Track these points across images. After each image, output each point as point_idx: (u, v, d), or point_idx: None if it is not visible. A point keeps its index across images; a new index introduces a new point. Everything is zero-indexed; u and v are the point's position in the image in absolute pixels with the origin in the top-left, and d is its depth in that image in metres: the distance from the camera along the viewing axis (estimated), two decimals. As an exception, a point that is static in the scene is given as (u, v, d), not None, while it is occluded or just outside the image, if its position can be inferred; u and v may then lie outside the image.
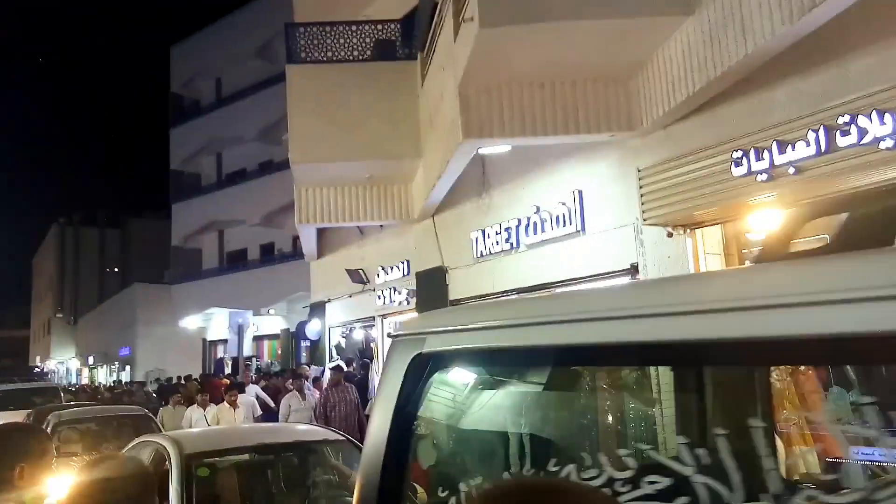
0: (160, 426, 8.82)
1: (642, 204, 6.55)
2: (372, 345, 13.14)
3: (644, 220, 6.58)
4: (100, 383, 32.50)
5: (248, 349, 14.96)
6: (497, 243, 9.35)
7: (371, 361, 12.70)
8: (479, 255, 9.71)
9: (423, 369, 1.64)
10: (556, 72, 6.96)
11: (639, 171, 6.68)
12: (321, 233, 14.39)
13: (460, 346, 1.59)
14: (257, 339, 24.36)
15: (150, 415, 9.39)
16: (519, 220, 8.87)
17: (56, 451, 2.35)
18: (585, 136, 7.15)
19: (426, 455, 1.86)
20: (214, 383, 23.62)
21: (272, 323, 24.00)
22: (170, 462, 3.91)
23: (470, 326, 1.58)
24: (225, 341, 28.92)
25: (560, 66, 6.89)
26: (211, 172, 30.33)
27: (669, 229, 6.59)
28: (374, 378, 12.19)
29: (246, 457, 4.35)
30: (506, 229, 9.16)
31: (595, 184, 7.69)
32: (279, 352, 24.96)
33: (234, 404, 8.87)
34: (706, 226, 6.63)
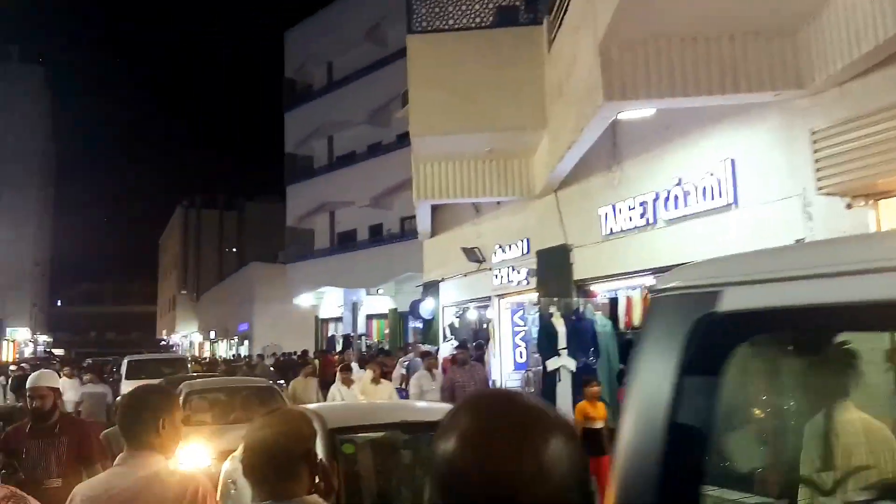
0: (285, 399, 8.87)
1: (817, 171, 5.74)
2: (487, 325, 12.80)
3: (819, 188, 5.76)
4: (220, 356, 34.32)
5: (361, 327, 15.00)
6: (630, 219, 8.69)
7: (486, 343, 12.37)
8: (607, 233, 9.10)
9: (716, 338, 1.18)
10: (711, 25, 6.22)
11: (812, 133, 5.85)
12: (435, 211, 14.16)
13: (790, 303, 1.11)
14: (367, 318, 24.75)
15: (276, 387, 9.51)
16: (657, 194, 8.17)
17: (188, 420, 2.78)
18: (745, 96, 6.37)
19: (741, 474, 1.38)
20: (327, 359, 24.35)
21: (380, 303, 24.29)
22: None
23: (811, 272, 1.09)
24: (336, 319, 29.75)
25: (717, 19, 6.15)
26: (323, 155, 31.01)
27: (848, 200, 5.75)
28: (491, 361, 11.86)
29: (386, 434, 4.21)
30: (640, 204, 8.48)
31: (751, 150, 6.88)
32: (387, 331, 25.23)
33: (347, 382, 8.80)
34: (893, 195, 5.74)
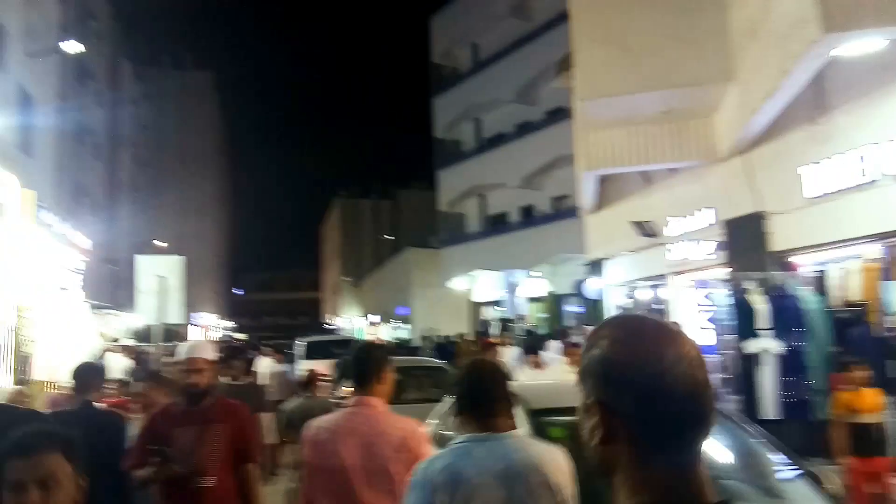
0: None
1: None
2: (661, 306, 11.81)
3: None
4: (381, 339, 35.61)
5: (521, 309, 14.56)
6: (842, 178, 7.42)
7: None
8: (813, 196, 7.85)
9: None
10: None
11: None
12: (598, 184, 13.30)
13: None
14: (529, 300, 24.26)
15: (447, 368, 9.37)
16: (878, 146, 6.87)
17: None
18: None
19: None
20: (486, 343, 24.25)
21: (534, 285, 23.73)
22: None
23: None
24: (490, 303, 29.68)
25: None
26: (471, 138, 30.89)
27: None
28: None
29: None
30: (857, 158, 7.20)
31: None
32: (544, 315, 24.60)
33: (539, 366, 8.32)
34: None
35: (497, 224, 28.82)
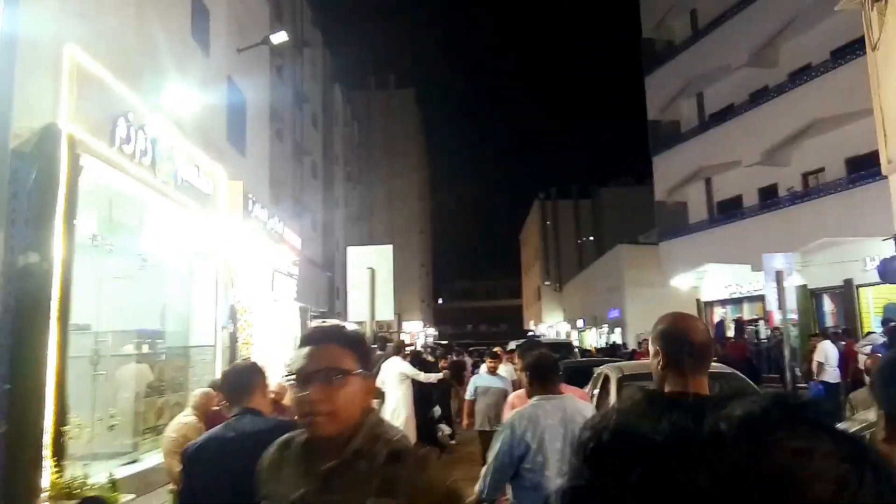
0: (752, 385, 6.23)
1: None
2: None
3: None
4: (590, 345, 33.07)
5: (791, 303, 11.45)
6: None
7: None
8: None
9: None
10: None
11: None
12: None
13: None
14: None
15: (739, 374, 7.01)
16: None
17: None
18: None
19: None
20: (731, 347, 20.79)
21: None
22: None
23: None
24: (722, 302, 25.89)
25: None
26: (691, 116, 27.35)
27: None
28: None
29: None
30: None
31: None
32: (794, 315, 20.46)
33: None
34: None
35: (729, 210, 25.01)
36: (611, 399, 5.79)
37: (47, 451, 5.06)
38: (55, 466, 5.11)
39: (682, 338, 2.14)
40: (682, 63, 26.33)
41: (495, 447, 3.32)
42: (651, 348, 2.20)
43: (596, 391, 6.38)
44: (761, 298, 22.87)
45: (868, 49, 9.09)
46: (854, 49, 18.01)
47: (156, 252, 7.72)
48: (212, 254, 8.93)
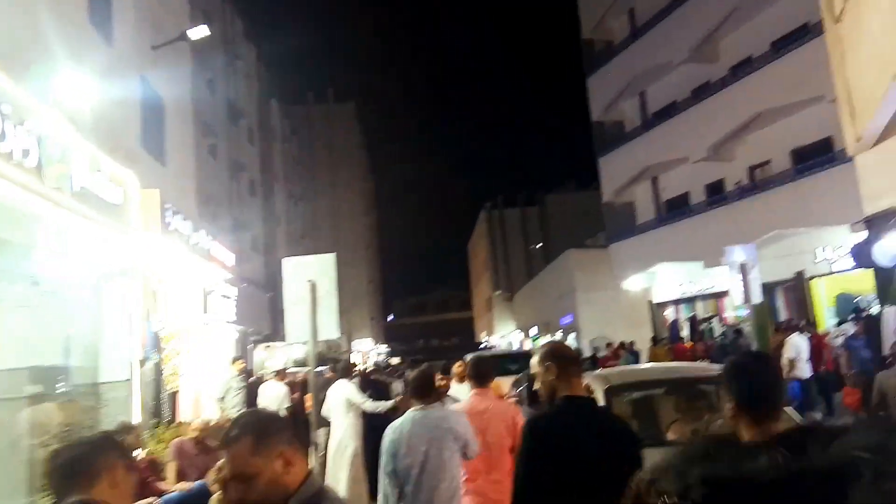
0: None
1: None
2: None
3: None
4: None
5: (756, 297, 10.93)
6: None
7: None
8: None
9: None
10: None
11: None
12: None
13: None
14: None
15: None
16: None
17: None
18: None
19: None
20: (679, 348, 20.45)
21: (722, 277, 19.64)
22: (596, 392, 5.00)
23: None
24: (675, 301, 25.65)
25: None
26: (635, 115, 27.24)
27: None
28: None
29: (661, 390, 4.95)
30: None
31: None
32: (743, 312, 20.36)
33: None
34: None
35: (677, 208, 24.88)
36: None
37: None
38: None
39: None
40: (622, 62, 26.22)
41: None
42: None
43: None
44: (715, 296, 22.76)
45: (829, 23, 8.66)
46: (795, 38, 18.02)
47: (52, 274, 6.52)
48: (124, 274, 7.73)
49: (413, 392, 4.10)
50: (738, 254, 11.50)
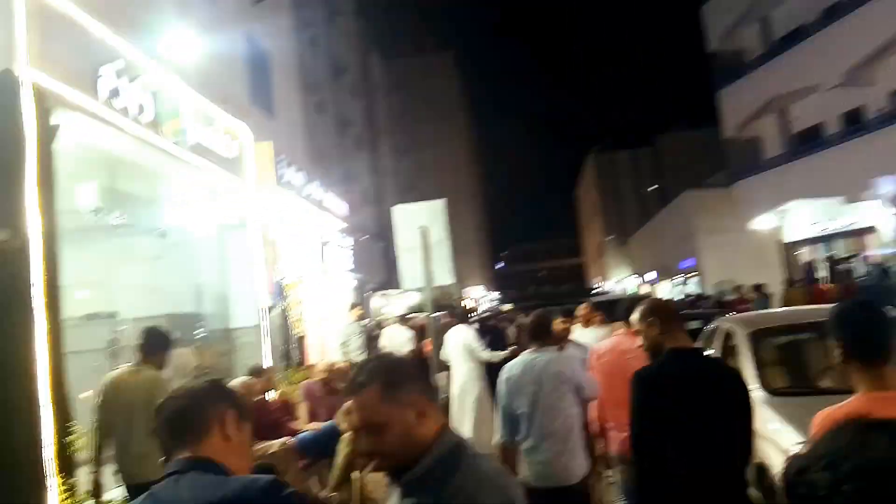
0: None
1: None
2: None
3: None
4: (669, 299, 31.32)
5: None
6: None
7: None
8: None
9: None
10: None
11: None
12: None
13: None
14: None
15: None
16: None
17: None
18: None
19: None
20: (815, 290, 18.98)
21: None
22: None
23: None
24: (810, 241, 23.74)
25: None
26: (757, 43, 24.95)
27: None
28: None
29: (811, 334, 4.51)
30: None
31: None
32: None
33: None
34: None
35: (807, 141, 22.79)
36: (742, 359, 4.54)
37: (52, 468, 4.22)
38: (63, 486, 4.26)
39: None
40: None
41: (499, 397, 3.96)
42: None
43: (712, 350, 5.12)
44: (856, 233, 20.81)
45: None
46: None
47: (178, 226, 6.82)
48: (243, 225, 8.00)
49: (528, 335, 4.15)
50: (889, 186, 10.31)
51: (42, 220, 4.21)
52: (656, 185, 52.60)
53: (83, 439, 4.48)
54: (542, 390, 3.83)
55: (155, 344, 4.64)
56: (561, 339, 5.32)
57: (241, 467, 1.59)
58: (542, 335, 4.09)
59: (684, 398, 2.62)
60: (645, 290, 39.23)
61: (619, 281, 52.04)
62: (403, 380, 1.53)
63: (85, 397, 5.03)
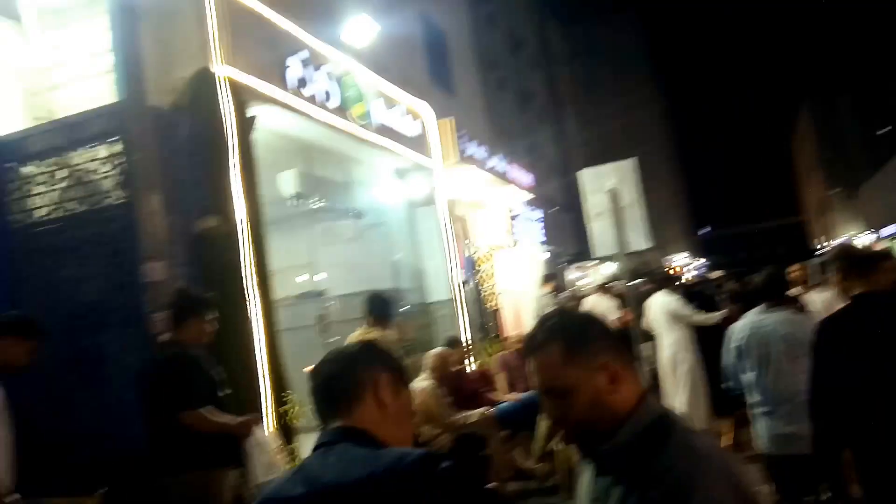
0: None
1: None
2: None
3: None
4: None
5: None
6: None
7: None
8: None
9: None
10: None
11: None
12: None
13: None
14: None
15: None
16: None
17: None
18: None
19: None
20: None
21: None
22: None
23: None
24: None
25: None
26: None
27: None
28: None
29: None
30: None
31: None
32: None
33: None
34: None
35: None
36: None
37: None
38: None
39: None
40: None
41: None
42: None
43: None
44: None
45: None
46: None
47: (372, 207, 7.10)
48: (433, 201, 8.14)
49: (760, 293, 3.97)
50: None
51: (247, 206, 4.53)
52: (889, 127, 45.49)
53: (298, 408, 4.79)
54: (771, 351, 3.67)
55: (383, 308, 4.89)
56: (791, 300, 4.79)
57: (400, 438, 1.41)
58: (772, 293, 3.88)
59: (870, 342, 2.55)
60: (881, 247, 34.17)
61: (848, 239, 46.00)
62: (590, 339, 1.33)
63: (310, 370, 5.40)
